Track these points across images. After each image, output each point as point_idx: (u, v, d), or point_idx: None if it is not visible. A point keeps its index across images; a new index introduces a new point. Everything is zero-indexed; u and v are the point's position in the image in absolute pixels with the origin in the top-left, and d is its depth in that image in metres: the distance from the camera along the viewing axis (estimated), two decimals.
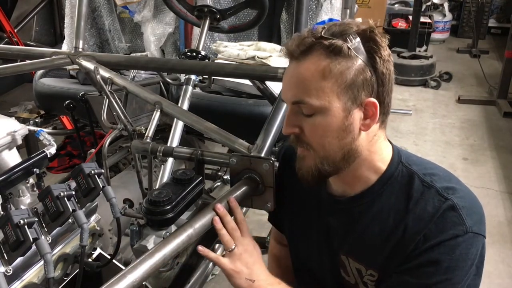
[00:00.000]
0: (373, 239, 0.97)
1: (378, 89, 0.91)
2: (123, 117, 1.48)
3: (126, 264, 1.48)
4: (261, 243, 1.82)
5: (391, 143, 1.01)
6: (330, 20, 2.37)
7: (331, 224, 1.05)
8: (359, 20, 0.98)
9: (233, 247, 0.98)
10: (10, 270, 0.93)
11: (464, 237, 0.88)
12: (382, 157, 0.98)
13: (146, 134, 1.36)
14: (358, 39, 0.89)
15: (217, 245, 2.05)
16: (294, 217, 1.15)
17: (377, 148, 0.97)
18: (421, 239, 0.90)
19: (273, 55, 2.09)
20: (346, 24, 0.91)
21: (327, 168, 0.94)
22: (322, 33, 0.90)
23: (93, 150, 2.01)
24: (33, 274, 1.00)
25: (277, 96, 1.36)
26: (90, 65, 1.59)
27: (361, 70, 0.88)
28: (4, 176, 1.34)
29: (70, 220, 1.00)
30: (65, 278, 1.13)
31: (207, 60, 1.81)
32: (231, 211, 1.00)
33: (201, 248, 0.97)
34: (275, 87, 1.55)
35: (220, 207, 0.98)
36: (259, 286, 0.97)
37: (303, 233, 1.13)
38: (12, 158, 1.52)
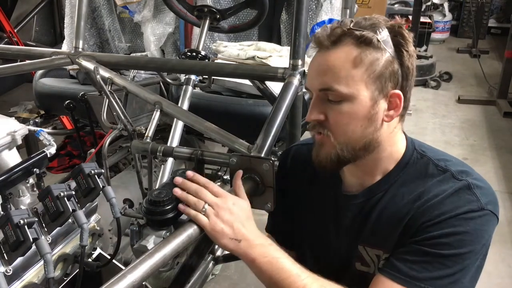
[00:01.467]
0: (389, 221, 0.98)
1: (402, 82, 0.94)
2: (123, 117, 1.48)
3: (126, 264, 1.49)
4: None
5: (404, 133, 1.04)
6: (330, 20, 2.37)
7: (348, 221, 1.05)
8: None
9: (205, 207, 0.92)
10: (10, 270, 0.93)
11: (480, 213, 0.90)
12: (399, 148, 1.01)
13: (146, 134, 1.36)
14: (387, 32, 0.92)
15: (216, 246, 2.05)
16: (308, 223, 1.14)
17: (396, 140, 1.00)
18: (434, 213, 0.91)
19: (273, 55, 2.09)
20: (375, 18, 0.95)
21: (346, 155, 0.96)
22: (351, 25, 0.93)
23: (93, 150, 2.01)
24: (33, 274, 1.00)
25: (277, 96, 1.36)
26: (90, 65, 1.59)
27: (389, 62, 0.92)
28: (4, 176, 1.34)
29: (70, 220, 1.00)
30: (65, 278, 1.13)
31: (207, 60, 1.81)
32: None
33: (181, 206, 0.94)
34: (275, 87, 1.55)
35: (178, 179, 0.96)
36: (246, 246, 0.91)
37: (319, 235, 1.12)
38: (12, 158, 1.52)
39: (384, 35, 0.91)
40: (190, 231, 0.91)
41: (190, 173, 0.99)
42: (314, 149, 1.01)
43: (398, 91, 0.94)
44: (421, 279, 0.89)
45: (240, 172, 1.02)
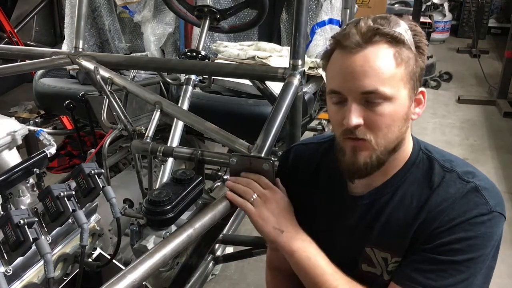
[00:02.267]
0: (398, 226, 0.97)
1: (420, 80, 0.96)
2: (123, 117, 1.48)
3: (126, 264, 1.48)
4: (261, 243, 1.82)
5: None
6: (330, 20, 2.37)
7: (354, 222, 1.05)
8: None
9: (253, 197, 0.98)
10: (10, 270, 0.93)
11: (489, 216, 0.90)
12: (407, 146, 1.01)
13: (146, 134, 1.36)
14: (410, 32, 0.92)
15: (217, 245, 2.06)
16: (311, 223, 1.14)
17: (408, 139, 1.00)
18: (445, 219, 0.91)
19: (273, 55, 2.10)
20: (394, 18, 0.93)
21: (385, 157, 0.95)
22: (378, 24, 0.90)
23: (93, 150, 2.01)
24: (33, 274, 1.00)
25: (277, 96, 1.36)
26: (90, 65, 1.59)
27: (417, 61, 0.93)
28: (4, 176, 1.34)
29: (70, 220, 1.00)
30: (65, 278, 1.13)
31: (207, 60, 1.81)
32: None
33: (229, 194, 1.00)
34: (275, 87, 1.55)
35: (229, 181, 1.02)
36: (288, 237, 0.96)
37: (322, 236, 1.09)
38: (12, 158, 1.52)
39: (409, 35, 0.92)
40: (190, 231, 0.91)
41: (228, 182, 1.03)
42: (345, 157, 0.96)
43: (423, 88, 0.96)
44: (437, 287, 0.90)
45: (277, 180, 1.05)
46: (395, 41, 0.90)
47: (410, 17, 0.99)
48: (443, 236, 0.91)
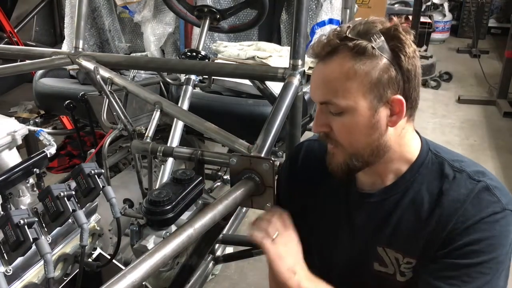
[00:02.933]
0: (410, 227, 0.98)
1: (404, 85, 0.93)
2: (123, 117, 1.48)
3: (126, 264, 1.48)
4: None
5: (417, 133, 1.04)
6: (330, 20, 2.37)
7: (362, 219, 1.05)
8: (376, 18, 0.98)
9: (275, 234, 0.98)
10: (10, 270, 0.93)
11: (502, 214, 0.91)
12: (412, 149, 1.01)
13: (146, 134, 1.36)
14: (382, 38, 0.90)
15: (217, 245, 2.06)
16: (319, 219, 1.14)
17: (406, 141, 1.00)
18: (459, 219, 0.91)
19: (273, 55, 2.10)
20: (370, 23, 0.92)
21: (356, 164, 0.97)
22: (347, 33, 0.91)
23: (93, 150, 2.01)
24: (33, 274, 1.00)
25: (277, 96, 1.36)
26: (90, 65, 1.59)
27: (386, 69, 0.90)
28: (4, 176, 1.34)
29: (70, 220, 1.00)
30: (65, 278, 1.13)
31: (207, 60, 1.81)
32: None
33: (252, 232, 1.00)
34: (275, 87, 1.55)
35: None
36: (299, 280, 0.96)
37: (330, 233, 1.12)
38: (12, 158, 1.52)
39: (380, 42, 0.90)
40: (190, 231, 0.91)
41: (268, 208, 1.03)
42: (327, 157, 1.02)
43: (399, 97, 0.92)
44: None
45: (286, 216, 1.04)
46: (355, 52, 0.90)
47: (397, 19, 0.98)
48: (460, 239, 0.91)
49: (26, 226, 0.88)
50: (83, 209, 1.02)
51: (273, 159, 1.06)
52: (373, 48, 0.89)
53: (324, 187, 1.12)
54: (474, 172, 0.96)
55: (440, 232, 0.93)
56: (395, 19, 0.94)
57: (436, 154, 1.00)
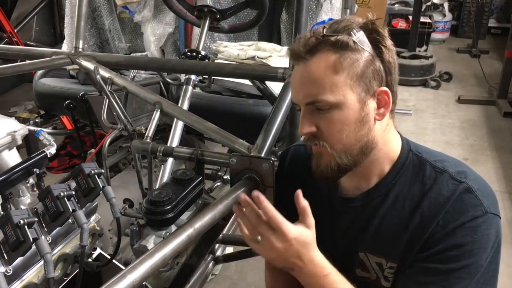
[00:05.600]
0: (392, 230, 0.97)
1: (387, 78, 0.93)
2: (123, 117, 1.48)
3: (126, 264, 1.49)
4: None
5: (398, 133, 1.03)
6: (330, 20, 2.37)
7: (345, 225, 1.04)
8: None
9: (258, 238, 0.91)
10: (10, 270, 0.93)
11: (484, 218, 0.89)
12: (394, 147, 1.00)
13: (146, 134, 1.36)
14: (361, 32, 0.91)
15: (217, 245, 2.05)
16: None
17: (390, 138, 0.99)
18: (439, 223, 0.90)
19: (273, 55, 2.10)
20: (347, 20, 0.93)
21: (346, 162, 0.95)
22: (324, 31, 0.91)
23: (93, 150, 2.01)
24: (33, 274, 1.00)
25: (277, 96, 1.36)
26: (90, 65, 1.59)
27: (370, 61, 0.91)
28: (4, 176, 1.34)
29: (70, 220, 1.00)
30: (65, 278, 1.13)
31: (207, 60, 1.81)
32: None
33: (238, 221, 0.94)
34: (275, 87, 1.55)
35: (242, 196, 0.92)
36: (299, 275, 0.93)
37: (316, 240, 1.11)
38: (12, 158, 1.52)
39: (359, 35, 0.90)
40: (190, 231, 0.91)
41: (255, 193, 0.92)
42: (313, 161, 0.99)
43: (384, 88, 0.93)
44: None
45: (300, 192, 0.92)
46: (337, 47, 0.90)
47: (372, 15, 0.99)
48: (439, 243, 0.90)
49: (26, 226, 0.88)
50: (83, 209, 1.02)
51: (273, 159, 1.06)
52: (354, 42, 0.89)
53: (309, 192, 1.10)
54: (456, 173, 0.94)
55: (421, 235, 0.92)
56: (369, 15, 0.95)
57: (417, 155, 0.99)
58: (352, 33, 0.90)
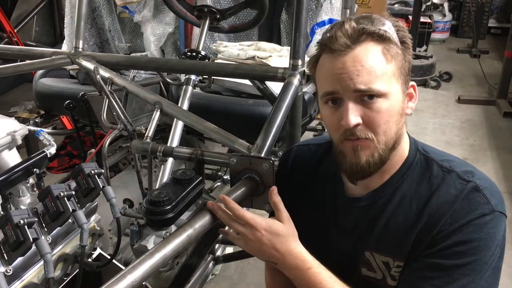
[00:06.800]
0: (398, 229, 0.96)
1: (409, 74, 0.96)
2: (123, 117, 1.48)
3: (126, 264, 1.49)
4: None
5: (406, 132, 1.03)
6: (330, 20, 2.37)
7: (351, 224, 1.04)
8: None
9: (238, 236, 0.97)
10: (10, 270, 0.93)
11: (491, 216, 0.90)
12: (405, 146, 1.00)
13: (146, 134, 1.36)
14: (393, 28, 0.93)
15: (217, 245, 2.06)
16: (309, 224, 1.13)
17: (404, 135, 1.00)
18: (447, 221, 0.91)
19: (273, 55, 2.09)
20: (376, 16, 0.95)
21: (386, 154, 0.94)
22: (358, 26, 0.91)
23: (93, 150, 2.01)
24: (33, 274, 1.00)
25: (277, 96, 1.36)
26: (90, 65, 1.59)
27: (404, 56, 0.93)
28: (4, 176, 1.34)
29: (70, 220, 1.00)
30: (65, 278, 1.13)
31: (207, 60, 1.81)
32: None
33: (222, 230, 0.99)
34: (275, 87, 1.55)
35: (210, 204, 0.94)
36: (282, 267, 0.96)
37: (320, 237, 1.10)
38: (12, 158, 1.52)
39: (393, 31, 0.92)
40: (190, 231, 0.91)
41: (221, 196, 0.95)
42: (346, 159, 0.95)
43: (413, 82, 0.96)
44: None
45: (274, 188, 0.98)
46: (382, 38, 0.91)
47: (387, 14, 1.00)
48: (446, 240, 0.90)
49: (26, 226, 0.88)
50: (83, 209, 1.02)
51: (273, 159, 1.06)
52: (391, 36, 0.92)
53: (313, 192, 1.11)
54: (463, 172, 0.95)
55: (428, 233, 0.92)
56: (388, 13, 0.97)
57: (425, 154, 0.99)
58: (387, 27, 0.92)
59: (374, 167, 0.95)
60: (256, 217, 0.93)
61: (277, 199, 0.96)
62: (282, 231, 0.94)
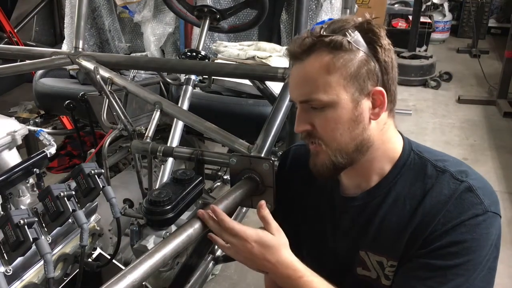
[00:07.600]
0: (392, 229, 0.97)
1: (383, 77, 0.94)
2: (123, 117, 1.48)
3: (126, 264, 1.49)
4: None
5: (400, 133, 1.03)
6: (330, 20, 2.38)
7: (346, 224, 1.05)
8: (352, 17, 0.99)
9: (228, 246, 0.97)
10: (10, 270, 0.93)
11: (484, 216, 0.90)
12: (394, 146, 1.00)
13: (146, 134, 1.36)
14: (356, 32, 0.92)
15: (216, 246, 2.05)
16: (306, 224, 1.14)
17: (389, 137, 0.99)
18: (440, 221, 0.91)
19: (273, 55, 2.10)
20: (343, 20, 0.95)
21: (342, 160, 0.96)
22: (321, 32, 0.93)
23: (93, 150, 2.01)
24: (33, 274, 1.00)
25: (277, 96, 1.36)
26: (90, 65, 1.59)
27: (364, 61, 0.91)
28: (4, 176, 1.34)
29: (70, 220, 1.00)
30: (65, 278, 1.13)
31: (207, 60, 1.81)
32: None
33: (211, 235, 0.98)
34: (275, 87, 1.55)
35: (200, 213, 0.95)
36: (274, 277, 0.96)
37: (317, 236, 1.11)
38: (12, 158, 1.52)
39: (354, 36, 0.91)
40: (190, 231, 0.91)
41: (211, 206, 0.95)
42: (310, 159, 1.01)
43: (379, 88, 0.93)
44: None
45: (263, 203, 0.99)
46: (332, 47, 0.91)
47: (368, 15, 0.98)
48: (438, 240, 0.90)
49: (26, 226, 0.88)
50: (83, 209, 1.02)
51: (273, 159, 1.06)
52: (348, 42, 0.90)
53: (310, 192, 1.12)
54: (457, 172, 0.95)
55: (421, 233, 0.93)
56: (367, 15, 0.95)
57: (419, 154, 1.00)
58: (347, 33, 0.91)
59: (329, 171, 0.98)
60: (247, 229, 0.94)
61: (265, 212, 0.97)
62: (272, 242, 0.95)
